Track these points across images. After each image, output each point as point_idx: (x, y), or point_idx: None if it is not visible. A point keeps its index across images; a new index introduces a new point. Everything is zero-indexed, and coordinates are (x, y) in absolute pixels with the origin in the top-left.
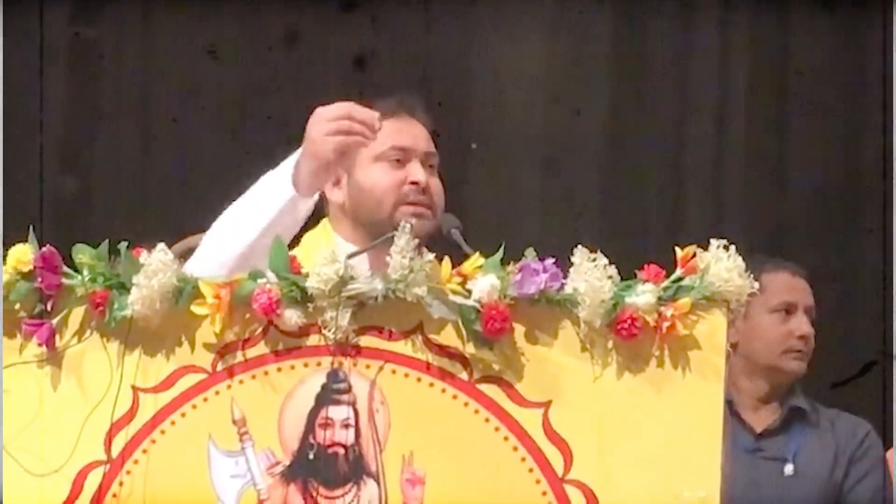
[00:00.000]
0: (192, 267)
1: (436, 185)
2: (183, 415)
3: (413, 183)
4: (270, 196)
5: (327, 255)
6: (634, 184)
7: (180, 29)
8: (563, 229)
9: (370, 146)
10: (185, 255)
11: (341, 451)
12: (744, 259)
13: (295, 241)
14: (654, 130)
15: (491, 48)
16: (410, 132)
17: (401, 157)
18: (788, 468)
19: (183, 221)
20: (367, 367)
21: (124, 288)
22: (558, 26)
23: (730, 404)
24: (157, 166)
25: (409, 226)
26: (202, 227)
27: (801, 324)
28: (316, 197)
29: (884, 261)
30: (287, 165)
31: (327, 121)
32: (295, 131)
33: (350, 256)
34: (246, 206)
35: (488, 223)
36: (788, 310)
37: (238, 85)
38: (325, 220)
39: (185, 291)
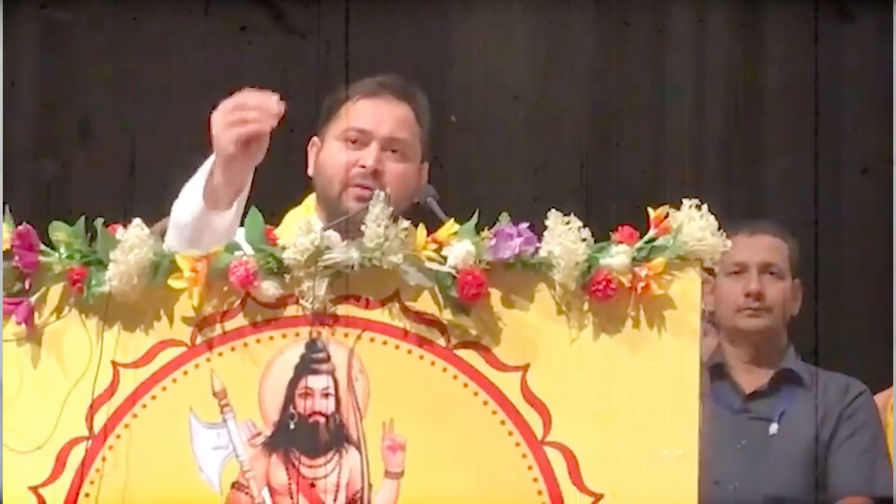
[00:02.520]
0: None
1: (394, 169)
2: (164, 388)
3: (361, 166)
4: (185, 215)
5: (303, 225)
6: (615, 154)
7: (160, 5)
8: (545, 199)
9: (337, 124)
10: (164, 235)
11: (322, 420)
12: (717, 220)
13: (280, 216)
14: (635, 110)
15: (473, 29)
16: (375, 114)
17: (357, 139)
18: (773, 427)
19: (163, 200)
20: (346, 335)
21: (101, 264)
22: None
23: (721, 367)
24: (136, 145)
25: (382, 194)
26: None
27: (750, 281)
28: (238, 207)
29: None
30: (201, 175)
31: (223, 115)
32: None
33: (325, 229)
34: (171, 226)
35: (471, 194)
36: (739, 270)
37: (219, 63)
38: (311, 196)
39: (162, 266)
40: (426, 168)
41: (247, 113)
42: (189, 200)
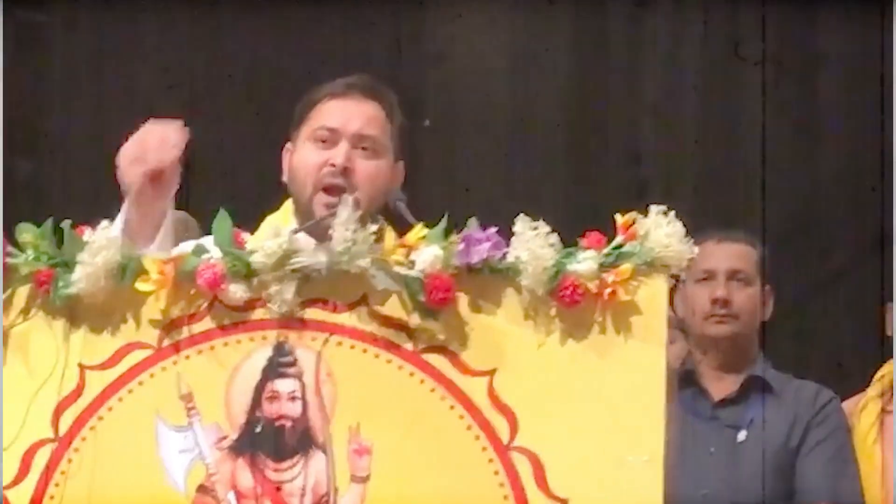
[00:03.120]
0: None
1: (365, 166)
2: (130, 391)
3: (332, 165)
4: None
5: (270, 229)
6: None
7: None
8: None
9: (308, 126)
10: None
11: (288, 423)
12: (686, 226)
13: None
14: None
15: (452, 27)
16: (343, 113)
17: (327, 138)
18: (741, 435)
19: None
20: (313, 339)
21: (68, 266)
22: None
23: (691, 374)
24: (103, 146)
25: (350, 199)
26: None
27: (717, 288)
28: (161, 240)
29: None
30: (120, 214)
31: (125, 152)
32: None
33: (295, 232)
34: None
35: (443, 198)
36: (707, 276)
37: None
38: (288, 201)
39: (130, 268)
40: (401, 167)
41: (147, 148)
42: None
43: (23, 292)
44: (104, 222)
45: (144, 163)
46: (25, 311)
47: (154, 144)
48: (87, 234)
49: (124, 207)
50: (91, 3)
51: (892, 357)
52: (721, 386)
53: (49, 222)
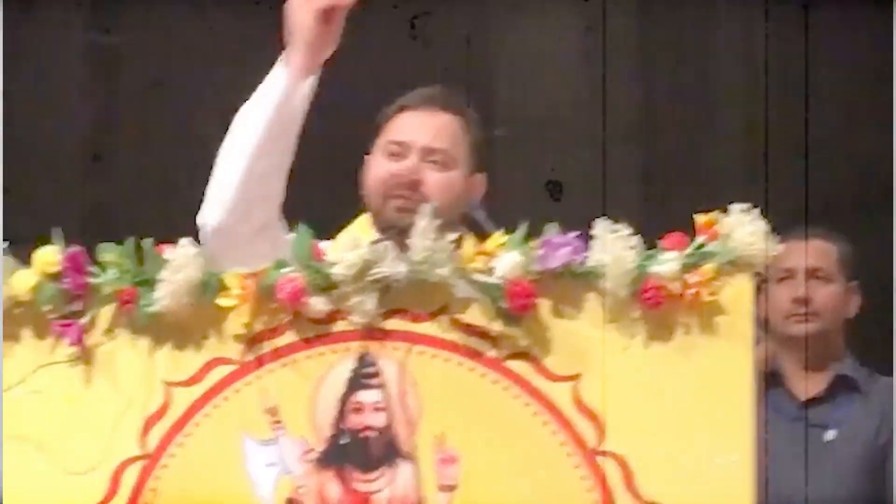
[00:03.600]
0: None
1: (435, 179)
2: (215, 406)
3: (398, 177)
4: (266, 90)
5: (350, 240)
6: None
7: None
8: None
9: (382, 139)
10: None
11: (374, 434)
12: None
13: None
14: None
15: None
16: (414, 126)
17: (397, 151)
18: (829, 434)
19: None
20: (395, 349)
21: (151, 284)
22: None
23: (776, 374)
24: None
25: (429, 208)
26: None
27: (797, 287)
28: (314, 80)
29: None
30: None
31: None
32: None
33: (374, 243)
34: (247, 111)
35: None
36: (787, 275)
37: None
38: (365, 214)
39: (211, 284)
40: (480, 179)
41: None
42: (269, 81)
43: (107, 312)
44: (184, 240)
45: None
46: (110, 331)
47: None
48: (168, 251)
49: (281, 61)
50: (161, 28)
51: None
52: (808, 385)
53: (131, 241)
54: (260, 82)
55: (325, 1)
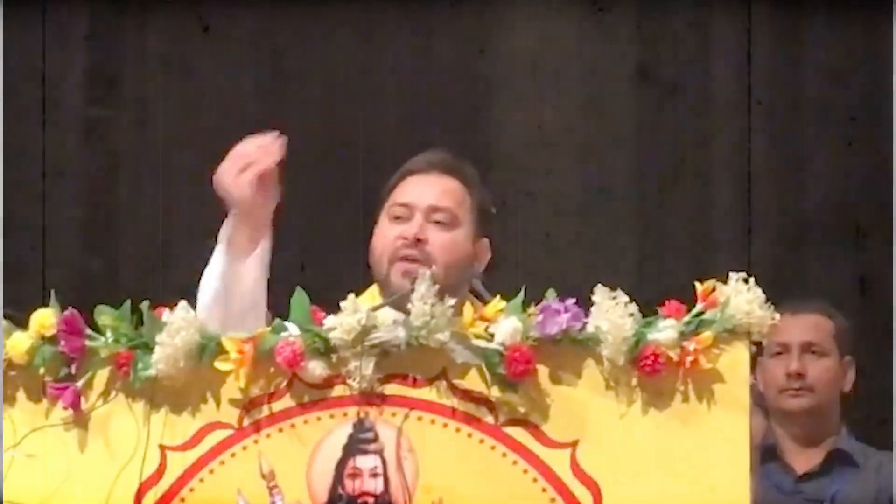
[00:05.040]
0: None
1: (440, 238)
2: (211, 471)
3: (404, 238)
4: (211, 269)
5: (349, 305)
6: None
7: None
8: (595, 274)
9: (387, 204)
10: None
11: (371, 500)
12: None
13: None
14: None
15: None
16: (419, 188)
17: (402, 214)
18: None
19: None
20: (393, 414)
21: (147, 347)
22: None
23: (772, 448)
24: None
25: (428, 273)
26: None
27: (791, 361)
28: (262, 253)
29: None
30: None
31: (229, 166)
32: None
33: (373, 309)
34: (203, 283)
35: (520, 271)
36: (782, 350)
37: None
38: (374, 285)
39: (209, 348)
40: (485, 244)
41: (251, 154)
42: (212, 268)
43: (103, 375)
44: (182, 303)
45: (251, 168)
46: (105, 394)
47: (255, 151)
48: (166, 315)
49: (227, 224)
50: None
51: None
52: (803, 459)
53: (127, 305)
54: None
55: (254, 172)
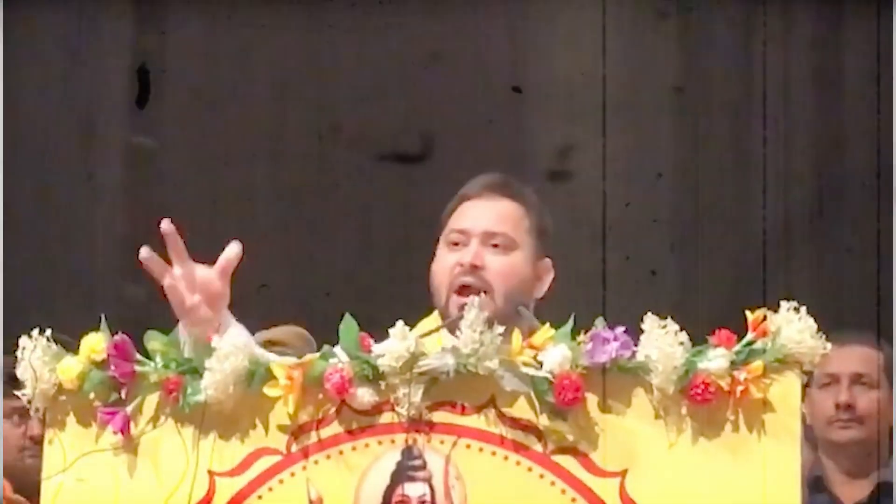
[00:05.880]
0: None
1: (498, 263)
2: (259, 497)
3: (461, 265)
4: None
5: (398, 332)
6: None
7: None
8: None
9: (445, 231)
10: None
11: None
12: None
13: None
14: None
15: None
16: (475, 213)
17: (459, 240)
18: None
19: (259, 306)
20: (442, 442)
21: (197, 373)
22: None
23: (820, 480)
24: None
25: (477, 300)
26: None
27: (840, 392)
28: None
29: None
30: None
31: (176, 299)
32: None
33: (423, 335)
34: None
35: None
36: (831, 381)
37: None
38: (436, 311)
39: (258, 374)
40: (547, 264)
41: (193, 284)
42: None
43: (152, 400)
44: (231, 329)
45: (195, 297)
46: (154, 419)
47: (192, 285)
48: (215, 340)
49: (182, 325)
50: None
51: None
52: (851, 491)
53: (177, 330)
54: None
55: (214, 287)
